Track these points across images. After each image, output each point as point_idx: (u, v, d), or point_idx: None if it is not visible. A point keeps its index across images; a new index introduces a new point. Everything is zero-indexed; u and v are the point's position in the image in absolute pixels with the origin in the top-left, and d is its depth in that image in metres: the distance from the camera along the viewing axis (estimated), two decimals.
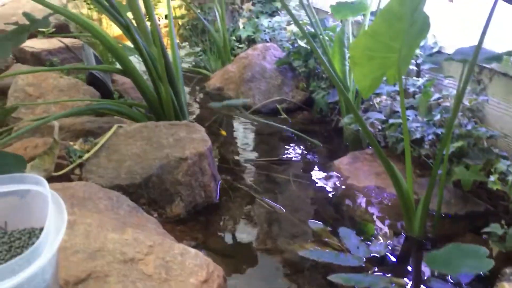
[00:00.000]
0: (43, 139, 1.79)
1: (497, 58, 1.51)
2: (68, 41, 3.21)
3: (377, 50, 1.31)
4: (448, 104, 1.86)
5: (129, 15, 2.19)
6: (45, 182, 0.93)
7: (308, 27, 2.72)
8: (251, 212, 1.80)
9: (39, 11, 3.07)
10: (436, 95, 1.91)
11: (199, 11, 3.86)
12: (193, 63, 3.72)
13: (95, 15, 3.95)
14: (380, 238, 1.62)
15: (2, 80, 2.65)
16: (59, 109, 2.27)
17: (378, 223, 1.70)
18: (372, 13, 2.31)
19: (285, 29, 3.28)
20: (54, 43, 3.18)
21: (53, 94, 2.37)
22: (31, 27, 1.99)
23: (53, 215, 0.85)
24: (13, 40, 1.94)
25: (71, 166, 1.70)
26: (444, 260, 1.14)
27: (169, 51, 2.40)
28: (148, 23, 2.18)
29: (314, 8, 3.33)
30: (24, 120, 2.12)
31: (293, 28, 2.99)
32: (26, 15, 2.09)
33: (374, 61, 1.35)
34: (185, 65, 3.66)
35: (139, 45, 2.07)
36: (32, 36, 3.15)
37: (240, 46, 3.59)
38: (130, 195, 1.62)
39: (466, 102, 1.82)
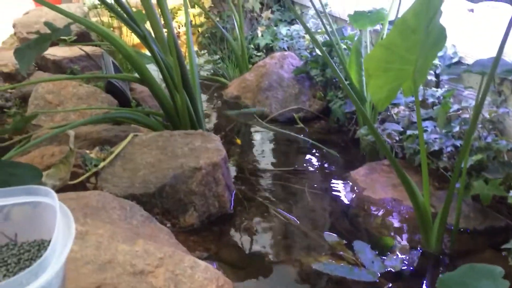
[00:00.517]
0: (59, 148, 1.81)
1: None
2: (88, 49, 3.25)
3: (393, 62, 1.29)
4: (467, 115, 1.82)
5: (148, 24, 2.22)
6: (54, 194, 0.93)
7: (327, 36, 2.70)
8: (265, 223, 1.78)
9: (61, 19, 3.12)
10: (456, 106, 1.87)
11: (218, 19, 3.87)
12: (212, 71, 3.74)
13: (115, 23, 4.01)
14: (396, 252, 1.58)
15: (24, 87, 2.71)
16: (78, 116, 2.31)
17: (394, 237, 1.67)
18: (391, 22, 2.28)
19: (303, 37, 3.27)
20: (75, 51, 3.23)
21: (72, 102, 2.40)
22: (53, 36, 2.03)
23: (61, 227, 0.86)
24: (35, 49, 1.98)
25: (87, 175, 1.71)
26: (458, 284, 1.10)
27: (187, 60, 2.42)
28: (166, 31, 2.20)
29: (333, 16, 3.32)
30: (44, 128, 2.16)
31: None
32: (47, 24, 2.13)
33: (390, 73, 1.33)
34: (204, 73, 3.68)
35: (155, 55, 2.09)
36: (54, 44, 3.21)
37: (258, 54, 3.59)
38: (144, 204, 1.62)
39: (486, 114, 1.78)
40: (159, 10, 2.18)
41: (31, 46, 1.98)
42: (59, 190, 1.60)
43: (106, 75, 2.60)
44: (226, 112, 2.54)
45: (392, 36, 1.24)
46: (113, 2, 2.08)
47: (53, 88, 2.43)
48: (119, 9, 2.08)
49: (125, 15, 2.07)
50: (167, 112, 2.26)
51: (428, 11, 1.15)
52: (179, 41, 4.33)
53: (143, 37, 2.09)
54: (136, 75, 2.25)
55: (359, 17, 2.28)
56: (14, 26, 3.52)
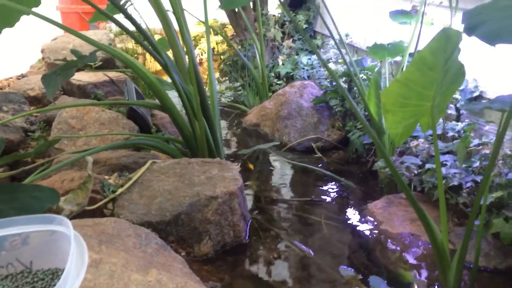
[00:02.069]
0: (79, 173, 1.84)
1: None
2: (112, 74, 3.33)
3: (410, 98, 1.29)
4: (488, 151, 1.79)
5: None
6: (69, 222, 0.95)
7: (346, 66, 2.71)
8: (279, 255, 1.77)
9: (87, 45, 3.22)
10: (476, 141, 1.85)
11: (239, 47, 3.93)
12: (232, 98, 3.78)
13: (140, 49, 4.11)
14: None
15: (49, 111, 2.78)
16: (99, 141, 2.35)
17: (412, 273, 1.63)
18: (411, 54, 2.28)
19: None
20: (99, 76, 3.31)
21: (94, 127, 2.45)
22: (78, 63, 2.09)
23: (74, 258, 0.87)
24: (61, 76, 2.05)
25: (104, 201, 1.73)
26: None
27: (207, 87, 2.45)
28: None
29: (354, 47, 3.34)
30: (65, 152, 2.20)
31: (332, 66, 2.99)
32: (74, 52, 2.20)
33: (407, 109, 1.32)
34: (224, 100, 3.73)
35: (176, 83, 2.13)
36: (80, 69, 3.30)
37: (279, 82, 3.62)
38: (159, 232, 1.63)
39: (507, 150, 1.75)
40: (181, 38, 2.23)
41: (57, 72, 2.04)
42: (76, 215, 1.62)
43: (128, 102, 2.65)
44: (241, 152, 2.61)
45: (409, 72, 1.24)
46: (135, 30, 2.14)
47: (76, 113, 2.49)
48: (141, 38, 2.14)
49: (146, 44, 2.12)
50: (186, 139, 2.28)
51: (446, 49, 1.15)
52: (202, 68, 4.40)
53: (164, 65, 2.14)
54: (157, 101, 2.29)
55: (378, 50, 2.29)
56: (42, 51, 3.63)
